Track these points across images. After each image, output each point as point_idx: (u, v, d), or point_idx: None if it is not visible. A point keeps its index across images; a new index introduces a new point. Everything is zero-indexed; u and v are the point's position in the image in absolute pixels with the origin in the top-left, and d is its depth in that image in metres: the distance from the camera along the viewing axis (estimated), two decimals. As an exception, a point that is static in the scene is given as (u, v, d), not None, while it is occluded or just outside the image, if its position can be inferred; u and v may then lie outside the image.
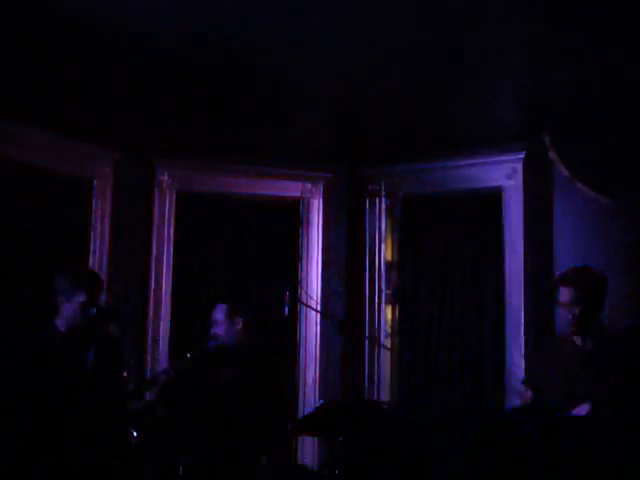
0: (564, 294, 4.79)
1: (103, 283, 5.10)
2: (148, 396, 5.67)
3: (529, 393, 5.03)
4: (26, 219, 6.60)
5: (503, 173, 7.16)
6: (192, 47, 5.31)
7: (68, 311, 4.71)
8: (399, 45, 5.24)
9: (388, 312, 7.64)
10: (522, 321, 6.89)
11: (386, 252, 7.70)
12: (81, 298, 4.70)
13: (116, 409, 4.89)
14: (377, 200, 7.73)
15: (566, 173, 6.55)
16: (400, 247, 7.67)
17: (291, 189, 7.86)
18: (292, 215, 7.89)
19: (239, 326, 5.92)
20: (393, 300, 7.64)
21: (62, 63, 5.57)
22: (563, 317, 4.84)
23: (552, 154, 6.65)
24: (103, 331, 4.98)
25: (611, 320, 5.34)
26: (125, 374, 5.05)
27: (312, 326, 7.64)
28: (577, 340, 4.87)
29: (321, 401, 5.65)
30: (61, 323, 4.75)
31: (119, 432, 4.93)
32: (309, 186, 7.84)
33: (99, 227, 7.14)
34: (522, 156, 7.02)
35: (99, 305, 4.81)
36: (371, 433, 5.85)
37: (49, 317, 4.80)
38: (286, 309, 6.29)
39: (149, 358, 7.25)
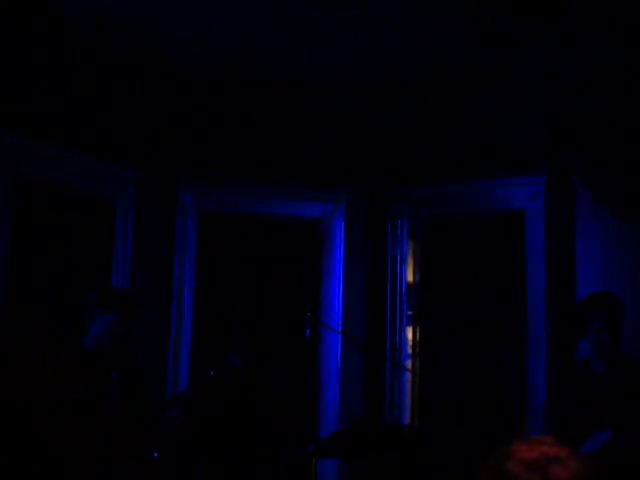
0: (595, 321, 4.79)
1: (134, 302, 5.10)
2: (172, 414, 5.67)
3: (549, 420, 5.03)
4: (48, 239, 6.63)
5: (526, 195, 7.14)
6: (214, 70, 5.35)
7: (97, 329, 4.73)
8: (425, 66, 5.26)
9: (409, 334, 7.62)
10: (544, 344, 6.85)
11: (407, 273, 7.68)
12: (112, 317, 4.72)
13: (137, 429, 4.90)
14: (399, 221, 7.72)
15: (589, 197, 6.53)
16: (422, 268, 7.65)
17: (312, 209, 7.86)
18: (313, 235, 7.89)
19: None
20: (414, 322, 7.62)
21: (86, 80, 5.61)
22: (589, 342, 4.84)
23: (575, 177, 6.63)
24: (128, 356, 5.00)
25: (630, 344, 5.31)
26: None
27: (332, 347, 7.62)
28: (596, 365, 4.87)
29: (341, 424, 5.62)
30: (89, 342, 4.76)
31: (140, 453, 4.93)
32: (330, 207, 7.83)
33: (121, 246, 7.16)
34: (545, 179, 7.00)
35: (129, 324, 4.82)
36: (392, 456, 5.82)
37: (77, 336, 4.82)
38: (307, 330, 6.29)
39: (171, 378, 7.25)
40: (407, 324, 7.61)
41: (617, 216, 6.36)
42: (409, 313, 7.61)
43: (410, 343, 7.61)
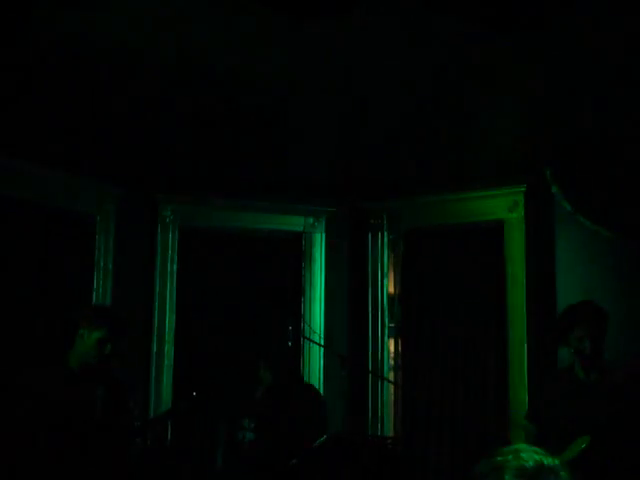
0: (579, 331, 4.83)
1: (122, 323, 5.09)
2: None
3: (531, 428, 5.05)
4: (28, 255, 6.61)
5: (505, 206, 7.19)
6: (195, 84, 5.37)
7: (83, 346, 4.73)
8: (403, 80, 5.29)
9: (391, 346, 7.64)
10: (525, 353, 6.89)
11: (389, 285, 7.70)
12: (100, 334, 4.71)
13: (122, 446, 4.89)
14: (379, 234, 7.74)
15: (568, 206, 6.57)
16: (402, 280, 7.67)
17: (293, 223, 7.87)
18: (295, 249, 7.91)
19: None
20: (396, 334, 7.64)
21: (66, 98, 5.61)
22: (572, 352, 4.87)
23: (554, 188, 6.67)
24: (112, 370, 5.00)
25: (612, 352, 5.34)
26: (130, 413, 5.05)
27: (315, 360, 7.63)
28: (579, 373, 4.90)
29: (325, 436, 5.61)
30: (74, 359, 4.75)
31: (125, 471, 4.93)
32: (311, 220, 7.85)
33: (102, 263, 7.15)
34: (524, 189, 7.05)
35: (115, 343, 4.81)
36: (374, 469, 5.82)
37: (60, 353, 4.82)
38: (289, 343, 6.30)
39: (153, 394, 7.23)
40: (389, 336, 7.62)
41: (596, 225, 6.40)
42: (390, 325, 7.62)
43: (392, 355, 7.63)
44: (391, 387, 7.52)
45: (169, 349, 7.37)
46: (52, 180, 6.80)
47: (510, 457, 2.04)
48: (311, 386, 6.56)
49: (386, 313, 7.64)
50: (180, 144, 6.59)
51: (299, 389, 6.14)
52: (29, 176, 6.62)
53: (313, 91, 5.56)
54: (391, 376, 7.57)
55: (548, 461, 2.03)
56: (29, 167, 6.59)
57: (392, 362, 7.63)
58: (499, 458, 2.05)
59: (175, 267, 7.46)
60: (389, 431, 7.50)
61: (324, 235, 7.86)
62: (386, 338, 7.61)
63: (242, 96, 5.60)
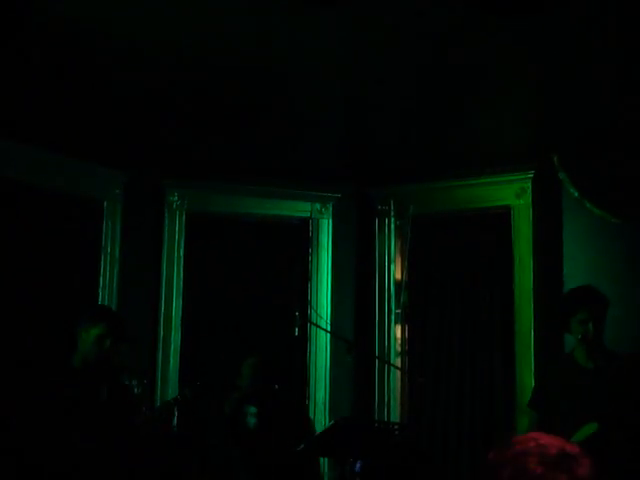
0: (582, 315, 4.83)
1: (119, 320, 5.12)
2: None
3: (534, 415, 5.06)
4: (36, 240, 6.63)
5: (512, 192, 7.18)
6: (202, 69, 5.36)
7: (85, 344, 4.75)
8: (409, 65, 5.27)
9: (398, 332, 7.64)
10: (532, 339, 6.89)
11: (395, 272, 7.70)
12: (98, 330, 4.73)
13: (127, 439, 4.90)
14: (386, 220, 7.73)
15: (575, 193, 6.56)
16: (409, 266, 7.66)
17: (300, 209, 7.87)
18: (301, 235, 7.91)
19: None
20: (403, 319, 7.64)
21: (73, 85, 5.61)
22: (574, 334, 4.88)
23: (561, 174, 6.66)
24: (116, 367, 5.03)
25: (618, 338, 5.35)
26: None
27: (322, 346, 7.63)
28: (582, 359, 4.90)
29: (332, 421, 5.62)
30: (77, 358, 4.78)
31: (131, 464, 4.94)
32: (318, 206, 7.85)
33: (109, 248, 7.16)
34: (531, 176, 7.04)
35: (114, 339, 4.83)
36: (382, 454, 5.83)
37: (65, 349, 4.84)
38: (296, 329, 6.30)
39: (160, 379, 7.25)
40: (395, 322, 7.62)
41: (603, 211, 6.39)
42: (397, 311, 7.62)
43: (399, 341, 7.63)
44: (397, 373, 7.52)
45: (176, 334, 7.38)
46: (59, 165, 6.82)
47: (531, 444, 2.02)
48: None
49: (393, 299, 7.64)
50: (188, 129, 6.58)
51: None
52: (36, 161, 6.64)
53: (320, 77, 5.54)
54: (397, 362, 7.58)
55: (570, 448, 2.02)
56: (36, 152, 6.61)
57: (399, 348, 7.63)
58: (519, 446, 2.04)
59: (182, 252, 7.47)
60: (395, 417, 7.51)
61: (331, 221, 7.86)
62: (393, 324, 7.61)
63: (250, 82, 5.59)
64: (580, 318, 4.83)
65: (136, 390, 5.98)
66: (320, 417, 7.44)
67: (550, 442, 2.02)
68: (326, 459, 7.21)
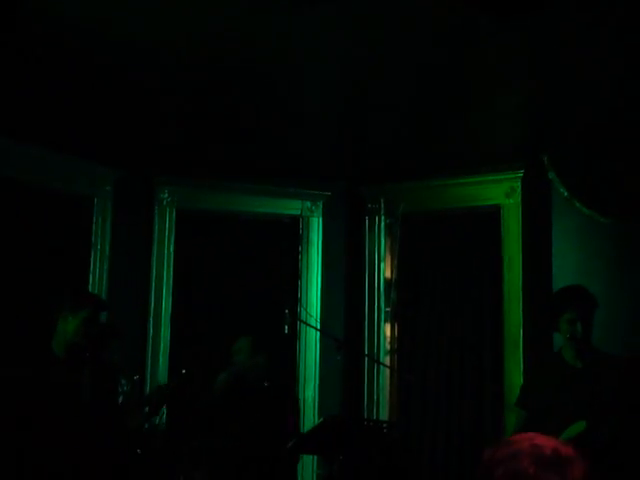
0: (570, 314, 4.85)
1: (105, 304, 5.12)
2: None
3: (522, 414, 5.07)
4: (26, 237, 6.62)
5: (502, 192, 7.20)
6: (193, 66, 5.36)
7: (69, 329, 4.70)
8: (399, 66, 5.28)
9: (387, 330, 7.65)
10: (520, 338, 6.91)
11: (385, 270, 7.72)
12: (85, 313, 4.70)
13: (114, 429, 4.89)
14: (376, 218, 7.75)
15: (564, 192, 6.58)
16: (399, 265, 7.68)
17: (291, 207, 7.88)
18: (292, 233, 7.92)
19: (260, 360, 5.98)
20: (392, 318, 7.66)
21: (64, 81, 5.61)
22: (562, 332, 4.89)
23: (551, 173, 6.69)
24: (101, 355, 5.01)
25: (606, 338, 5.37)
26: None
27: (312, 344, 7.65)
28: (570, 359, 4.92)
29: (321, 419, 5.63)
30: (59, 344, 4.73)
31: (118, 452, 4.93)
32: (308, 204, 7.86)
33: (99, 245, 7.16)
34: (521, 175, 7.06)
35: (101, 323, 4.82)
36: (370, 452, 5.84)
37: (46, 339, 4.80)
38: (286, 327, 6.31)
39: (149, 376, 7.26)
40: (385, 320, 7.64)
41: (592, 211, 6.42)
42: (387, 309, 7.64)
43: (388, 340, 7.64)
44: (387, 371, 7.54)
45: (165, 331, 7.39)
46: (50, 162, 6.82)
47: (525, 444, 2.03)
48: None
49: (382, 297, 7.65)
50: (178, 126, 6.58)
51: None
52: (27, 158, 6.64)
53: (312, 75, 5.54)
54: (387, 360, 7.59)
55: (564, 450, 2.02)
56: (27, 149, 6.60)
57: (388, 346, 7.64)
58: (513, 445, 2.04)
59: (172, 249, 7.48)
60: (384, 415, 7.52)
61: (321, 219, 7.88)
62: (382, 322, 7.63)
63: (241, 80, 5.59)
64: (568, 317, 4.85)
65: (125, 388, 5.98)
66: (309, 415, 7.44)
67: (545, 443, 2.02)
68: (315, 457, 7.23)
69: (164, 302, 7.42)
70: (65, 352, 4.71)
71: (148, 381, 7.21)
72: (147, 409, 5.35)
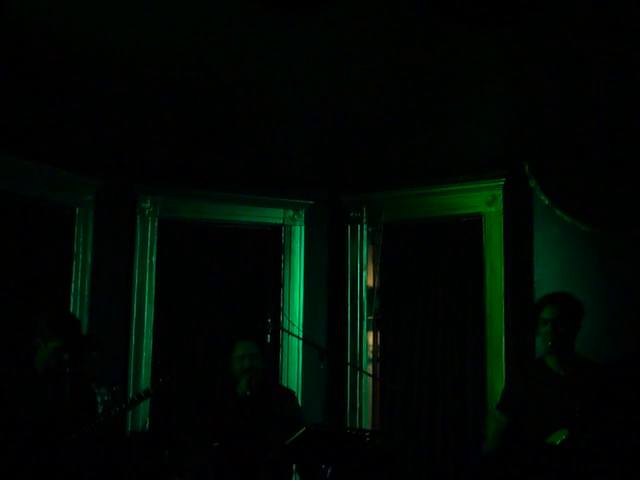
0: (549, 311, 4.86)
1: (79, 327, 5.11)
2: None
3: (503, 418, 5.07)
4: (7, 246, 6.60)
5: (483, 200, 7.23)
6: (176, 77, 5.36)
7: (43, 354, 4.75)
8: (381, 75, 5.30)
9: (370, 338, 7.66)
10: (502, 345, 6.93)
11: (367, 278, 7.73)
12: (56, 343, 4.73)
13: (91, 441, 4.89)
14: (358, 227, 7.76)
15: (545, 200, 6.61)
16: (381, 273, 7.69)
17: (273, 216, 7.88)
18: (274, 242, 7.92)
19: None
20: (375, 326, 7.66)
21: (45, 91, 5.60)
22: (543, 336, 4.90)
23: (532, 182, 6.72)
24: (79, 371, 5.03)
25: (588, 346, 5.37)
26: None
27: (294, 353, 7.64)
28: (553, 365, 4.92)
29: (303, 428, 5.61)
30: (37, 362, 4.78)
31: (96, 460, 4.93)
32: (291, 213, 7.86)
33: (81, 254, 7.13)
34: (502, 183, 7.09)
35: (73, 350, 4.83)
36: (353, 461, 5.83)
37: (28, 355, 4.84)
38: (268, 336, 6.30)
39: (131, 385, 7.23)
40: (367, 329, 7.64)
41: (573, 219, 6.45)
42: (369, 318, 7.65)
43: (371, 348, 7.65)
44: (370, 380, 7.54)
45: (147, 342, 7.36)
46: (31, 171, 6.79)
47: None
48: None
49: (365, 306, 7.66)
50: (160, 136, 6.58)
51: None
52: (8, 167, 6.61)
53: (294, 85, 5.55)
54: (369, 369, 7.59)
55: None
56: (8, 158, 6.57)
57: (370, 355, 7.65)
58: None
59: (154, 258, 7.46)
60: (367, 423, 7.52)
61: (304, 228, 7.88)
62: (365, 331, 7.63)
63: (222, 90, 5.60)
64: (544, 317, 4.87)
65: (105, 397, 5.97)
66: (292, 424, 7.43)
67: None
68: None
69: (146, 312, 7.40)
70: (44, 369, 4.76)
71: (130, 391, 7.18)
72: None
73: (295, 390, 7.35)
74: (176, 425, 7.00)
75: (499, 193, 7.13)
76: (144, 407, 7.09)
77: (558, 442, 4.55)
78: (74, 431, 4.66)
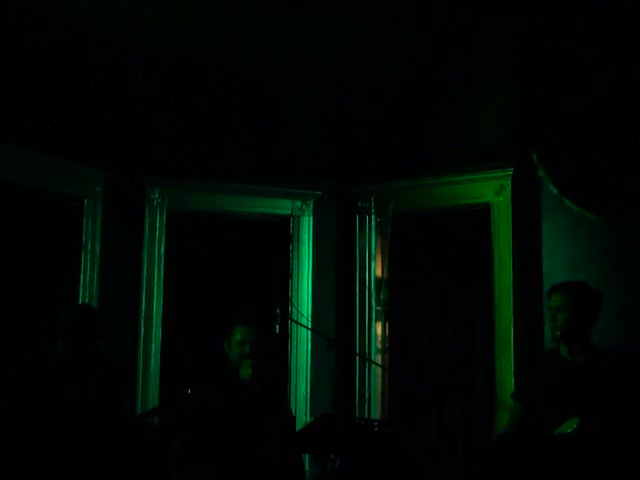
0: (554, 299, 4.86)
1: (96, 318, 5.14)
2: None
3: (518, 407, 5.06)
4: (17, 238, 6.61)
5: (492, 189, 7.21)
6: (182, 68, 5.36)
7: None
8: (390, 64, 5.29)
9: (378, 329, 7.66)
10: (511, 336, 6.92)
11: (376, 269, 7.72)
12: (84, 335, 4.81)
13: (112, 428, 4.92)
14: (367, 217, 7.76)
15: (554, 190, 6.60)
16: (390, 264, 7.68)
17: (281, 207, 7.88)
18: (282, 233, 7.92)
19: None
20: (383, 317, 7.66)
21: (52, 83, 5.60)
22: (549, 324, 4.90)
23: (540, 171, 6.70)
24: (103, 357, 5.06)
25: (596, 335, 5.36)
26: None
27: (303, 343, 7.65)
28: (565, 354, 4.91)
29: (313, 418, 5.64)
30: (61, 348, 4.84)
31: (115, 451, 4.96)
32: (299, 204, 7.86)
33: (90, 246, 7.15)
34: (511, 173, 7.08)
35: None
36: (362, 451, 5.84)
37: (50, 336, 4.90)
38: (277, 327, 6.31)
39: (141, 376, 7.25)
40: (376, 319, 7.64)
41: (581, 208, 6.43)
42: (378, 308, 7.65)
43: (379, 338, 7.65)
44: (378, 370, 7.55)
45: (156, 332, 7.38)
46: (39, 163, 6.80)
47: None
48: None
49: (373, 296, 7.66)
50: (168, 127, 6.58)
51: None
52: (16, 159, 6.62)
53: (300, 75, 5.55)
54: (378, 359, 7.60)
55: None
56: (16, 150, 6.58)
57: (379, 345, 7.65)
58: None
59: (163, 250, 7.47)
60: (376, 414, 7.53)
61: (312, 218, 7.87)
62: (373, 321, 7.63)
63: (230, 81, 5.60)
64: (549, 305, 4.88)
65: None
66: (301, 414, 7.44)
67: None
68: (307, 456, 7.22)
69: (155, 303, 7.41)
70: (67, 354, 4.82)
71: (140, 382, 7.21)
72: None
73: (303, 381, 7.40)
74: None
75: (507, 183, 7.11)
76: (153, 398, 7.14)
77: (569, 431, 4.55)
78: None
